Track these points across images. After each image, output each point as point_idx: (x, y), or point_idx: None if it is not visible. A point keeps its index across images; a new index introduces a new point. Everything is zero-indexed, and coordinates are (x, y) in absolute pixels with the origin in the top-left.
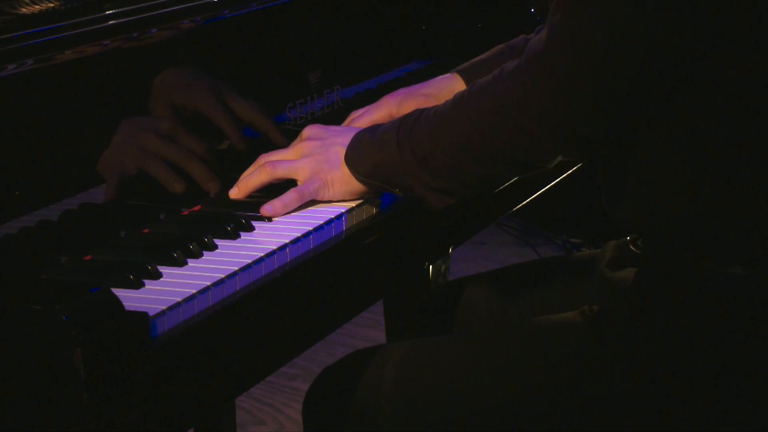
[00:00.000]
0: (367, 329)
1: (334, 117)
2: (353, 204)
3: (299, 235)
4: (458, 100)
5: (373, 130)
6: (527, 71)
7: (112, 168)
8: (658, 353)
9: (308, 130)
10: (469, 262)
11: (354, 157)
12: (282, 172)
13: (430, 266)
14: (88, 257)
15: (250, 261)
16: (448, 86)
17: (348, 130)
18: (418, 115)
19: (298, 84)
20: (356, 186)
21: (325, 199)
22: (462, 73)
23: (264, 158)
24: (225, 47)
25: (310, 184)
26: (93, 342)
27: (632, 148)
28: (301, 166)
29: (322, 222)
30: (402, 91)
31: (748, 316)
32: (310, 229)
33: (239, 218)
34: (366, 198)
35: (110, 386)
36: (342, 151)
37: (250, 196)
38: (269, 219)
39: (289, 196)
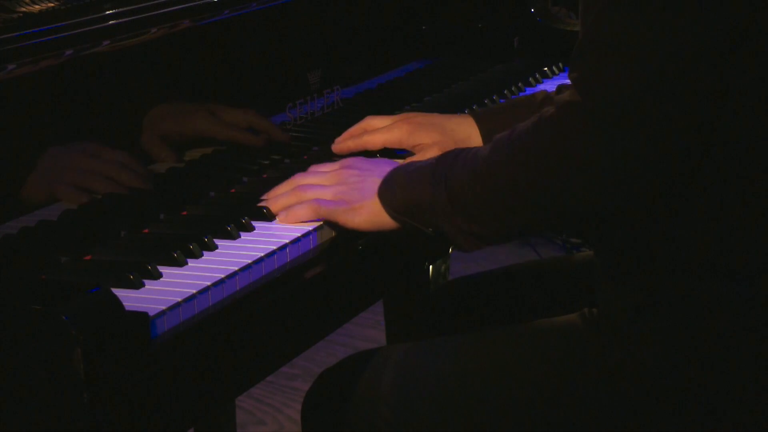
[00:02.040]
0: (367, 329)
1: (334, 117)
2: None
3: (299, 235)
4: (497, 144)
5: (408, 166)
6: (563, 117)
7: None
8: (657, 355)
9: (348, 160)
10: (469, 262)
11: (387, 191)
12: (311, 196)
13: (430, 266)
14: (88, 257)
15: (250, 261)
16: (463, 127)
17: (386, 163)
18: (456, 155)
19: (298, 84)
20: (384, 219)
21: (346, 225)
22: (477, 119)
23: (299, 178)
24: (225, 47)
25: (332, 204)
26: (93, 342)
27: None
28: (331, 192)
29: (321, 222)
30: (417, 120)
31: (747, 319)
32: (311, 229)
33: (239, 218)
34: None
35: (110, 386)
36: (378, 183)
37: (258, 200)
38: (270, 219)
39: (304, 209)
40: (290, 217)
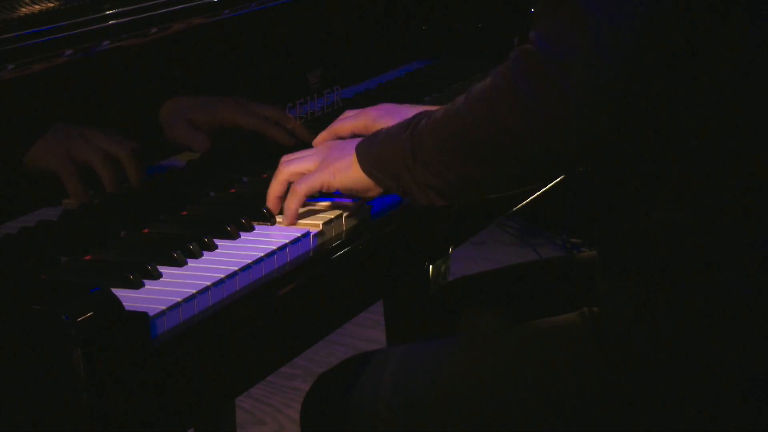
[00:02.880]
0: (367, 329)
1: (334, 117)
2: (353, 204)
3: (299, 235)
4: (460, 97)
5: (391, 126)
6: (518, 69)
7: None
8: (658, 355)
9: (333, 141)
10: (469, 262)
11: (365, 147)
12: (293, 167)
13: (430, 266)
14: (88, 257)
15: (250, 261)
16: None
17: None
18: (429, 112)
19: (298, 84)
20: (361, 179)
21: (330, 190)
22: None
23: (284, 159)
24: (225, 47)
25: (308, 177)
26: (93, 342)
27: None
28: (311, 159)
29: (321, 222)
30: (386, 107)
31: (749, 318)
32: (310, 229)
33: (239, 218)
34: (368, 194)
35: (110, 386)
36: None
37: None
38: (270, 219)
39: (292, 199)
40: (288, 215)
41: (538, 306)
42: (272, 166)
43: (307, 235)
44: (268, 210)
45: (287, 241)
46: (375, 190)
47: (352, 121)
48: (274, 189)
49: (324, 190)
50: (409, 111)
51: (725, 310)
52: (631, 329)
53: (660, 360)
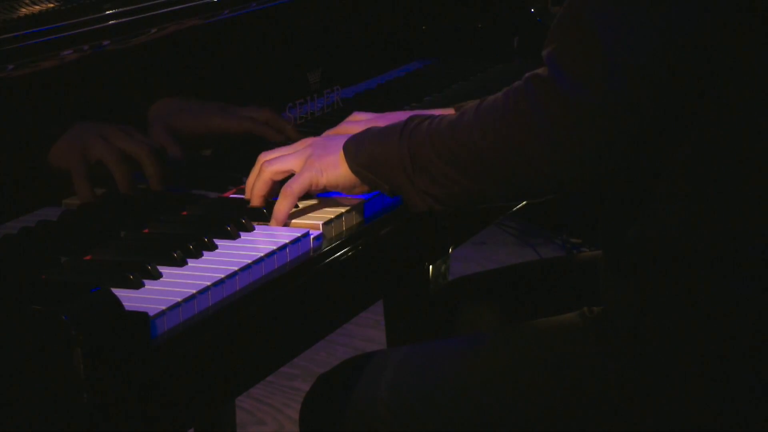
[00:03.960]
0: (367, 329)
1: (334, 117)
2: (352, 204)
3: (299, 235)
4: (466, 110)
5: (381, 127)
6: (532, 93)
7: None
8: (661, 354)
9: (314, 138)
10: (469, 262)
11: (353, 145)
12: (278, 166)
13: (430, 266)
14: (88, 257)
15: (250, 261)
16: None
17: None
18: (427, 117)
19: (298, 84)
20: (345, 173)
21: (318, 188)
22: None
23: (263, 156)
24: (225, 47)
25: (298, 178)
26: (93, 342)
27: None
28: (295, 156)
29: (321, 222)
30: (392, 115)
31: (752, 319)
32: (310, 229)
33: (239, 218)
34: (354, 191)
35: (110, 386)
36: (342, 142)
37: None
38: (269, 219)
39: (283, 202)
40: (278, 216)
41: (538, 306)
42: None
43: (307, 235)
44: (268, 210)
45: (287, 241)
46: (361, 188)
47: (362, 126)
48: (260, 188)
49: (312, 189)
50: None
51: (729, 310)
52: (634, 328)
53: (663, 359)
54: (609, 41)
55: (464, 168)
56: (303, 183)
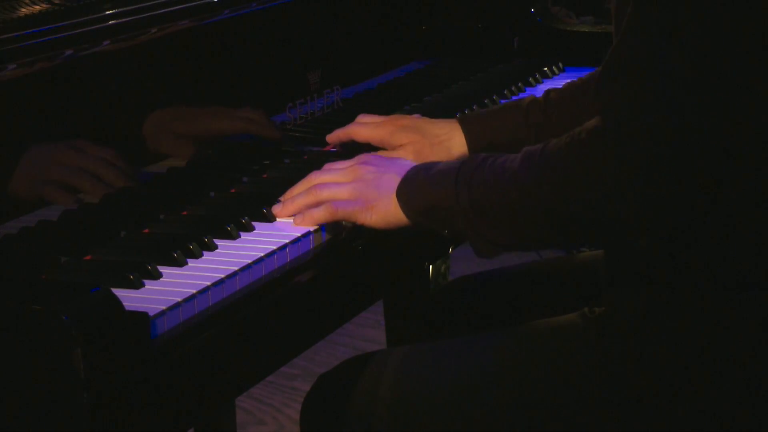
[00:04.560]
0: (367, 329)
1: (334, 117)
2: None
3: (299, 235)
4: (527, 158)
5: (429, 167)
6: (592, 148)
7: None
8: (663, 355)
9: (364, 156)
10: (469, 262)
11: (406, 192)
12: (327, 195)
13: (430, 266)
14: (88, 257)
15: (250, 261)
16: (445, 131)
17: (403, 162)
18: (483, 160)
19: (298, 84)
20: (400, 218)
21: (362, 223)
22: (463, 123)
23: (314, 176)
24: (225, 47)
25: (348, 204)
26: (93, 342)
27: None
28: (347, 190)
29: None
30: (401, 123)
31: (752, 319)
32: (310, 229)
33: (239, 218)
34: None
35: (110, 386)
36: (396, 180)
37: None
38: (270, 219)
39: (322, 213)
40: (307, 219)
41: (539, 306)
42: (272, 167)
43: (307, 235)
44: (268, 210)
45: (287, 241)
46: (414, 228)
47: (370, 132)
48: (303, 206)
49: (356, 223)
50: (425, 125)
51: (732, 312)
52: (635, 329)
53: (664, 360)
54: (652, 85)
55: (528, 219)
56: (349, 214)
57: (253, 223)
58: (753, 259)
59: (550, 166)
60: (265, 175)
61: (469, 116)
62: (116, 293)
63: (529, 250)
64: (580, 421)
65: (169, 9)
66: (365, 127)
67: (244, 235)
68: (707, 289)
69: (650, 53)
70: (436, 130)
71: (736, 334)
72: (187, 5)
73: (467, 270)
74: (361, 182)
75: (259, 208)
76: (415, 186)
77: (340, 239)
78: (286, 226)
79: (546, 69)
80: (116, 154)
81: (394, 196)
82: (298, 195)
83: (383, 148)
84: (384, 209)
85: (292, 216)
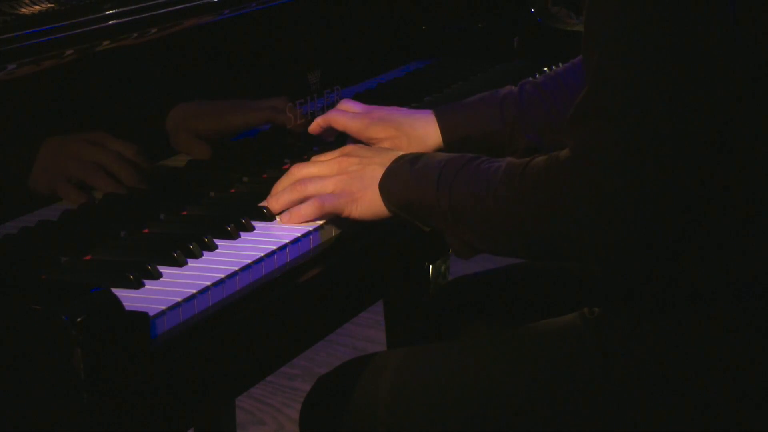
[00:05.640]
0: (367, 329)
1: None
2: None
3: (299, 235)
4: (508, 173)
5: (414, 161)
6: (570, 176)
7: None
8: (659, 356)
9: (348, 147)
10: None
11: (389, 186)
12: (312, 190)
13: (430, 266)
14: (88, 257)
15: (250, 261)
16: (421, 123)
17: (388, 152)
18: (465, 164)
19: (298, 84)
20: (383, 212)
21: (348, 215)
22: (439, 115)
23: (297, 170)
24: (225, 47)
25: (334, 198)
26: (93, 342)
27: None
28: (333, 183)
29: (321, 222)
30: (377, 115)
31: (752, 319)
32: (311, 229)
33: (239, 218)
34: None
35: (110, 386)
36: (379, 171)
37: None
38: (270, 219)
39: (309, 209)
40: (294, 217)
41: (538, 306)
42: (272, 167)
43: (307, 235)
44: (268, 210)
45: (287, 241)
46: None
47: (347, 122)
48: (289, 202)
49: (341, 215)
50: (401, 118)
51: (731, 313)
52: (634, 329)
53: (663, 360)
54: (627, 124)
55: (504, 232)
56: (336, 208)
57: (253, 223)
58: (749, 264)
59: (528, 186)
60: (265, 175)
61: (445, 108)
62: (116, 293)
63: (505, 256)
64: (579, 421)
65: (169, 9)
66: (343, 116)
67: (244, 235)
68: (705, 290)
69: (622, 99)
70: (412, 122)
71: (735, 334)
72: (186, 5)
73: (467, 270)
74: (345, 174)
75: (259, 208)
76: (398, 180)
77: (340, 239)
78: (286, 227)
79: (546, 69)
80: (116, 154)
81: (377, 187)
82: (283, 191)
83: None
84: (369, 201)
85: (279, 213)
